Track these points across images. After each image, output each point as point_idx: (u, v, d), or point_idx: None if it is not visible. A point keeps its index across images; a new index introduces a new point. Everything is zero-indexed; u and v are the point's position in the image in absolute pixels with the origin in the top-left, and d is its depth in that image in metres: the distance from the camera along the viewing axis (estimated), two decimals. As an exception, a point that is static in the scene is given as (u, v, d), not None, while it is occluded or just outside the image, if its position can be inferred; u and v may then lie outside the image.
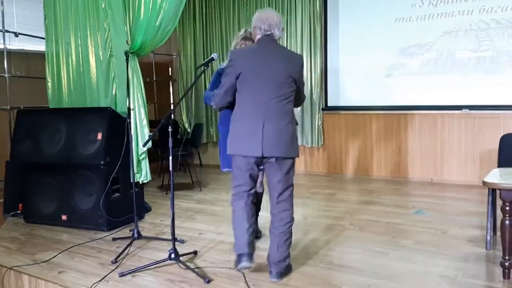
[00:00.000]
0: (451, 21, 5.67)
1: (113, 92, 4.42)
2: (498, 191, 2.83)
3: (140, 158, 4.14)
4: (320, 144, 6.59)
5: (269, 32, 2.88)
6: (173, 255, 3.10)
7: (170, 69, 8.14)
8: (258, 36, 2.91)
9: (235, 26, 7.13)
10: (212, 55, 3.40)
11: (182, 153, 5.92)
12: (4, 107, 5.42)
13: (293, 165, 2.91)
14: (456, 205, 4.64)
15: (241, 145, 2.85)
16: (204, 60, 6.69)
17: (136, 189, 3.91)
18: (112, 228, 4.05)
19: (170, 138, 3.05)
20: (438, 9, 5.74)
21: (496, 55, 5.45)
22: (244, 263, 2.82)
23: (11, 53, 5.61)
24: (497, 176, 2.96)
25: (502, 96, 5.41)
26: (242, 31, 3.54)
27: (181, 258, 3.13)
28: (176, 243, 3.26)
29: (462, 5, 5.58)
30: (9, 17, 5.61)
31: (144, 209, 4.56)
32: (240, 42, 3.46)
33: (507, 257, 2.77)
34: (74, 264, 3.29)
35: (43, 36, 4.90)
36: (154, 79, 7.65)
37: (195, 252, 3.40)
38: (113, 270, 3.11)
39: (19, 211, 4.56)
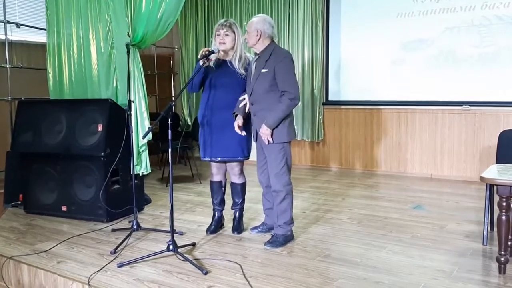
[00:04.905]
0: (453, 16, 5.65)
1: (114, 84, 4.41)
2: (495, 187, 2.85)
3: (140, 150, 4.16)
4: (320, 138, 6.60)
5: None
6: (171, 247, 3.11)
7: (171, 62, 8.13)
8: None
9: (237, 18, 7.10)
10: (212, 48, 3.40)
11: (182, 145, 5.94)
12: (5, 98, 5.43)
13: None
14: (455, 201, 4.65)
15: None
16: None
17: (136, 181, 3.92)
18: (111, 219, 4.08)
19: (169, 131, 3.06)
20: (440, 4, 5.71)
21: (497, 52, 5.43)
22: None
23: (13, 44, 5.60)
24: (494, 172, 2.97)
25: (503, 93, 5.40)
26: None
27: (179, 250, 3.14)
28: (175, 234, 3.28)
29: (464, 0, 5.55)
30: (11, 7, 5.60)
31: (143, 201, 4.58)
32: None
33: (503, 252, 2.79)
34: (73, 255, 3.31)
35: (45, 27, 4.89)
36: (156, 72, 7.65)
37: (193, 244, 3.42)
38: (112, 261, 3.13)
39: (19, 202, 4.58)
